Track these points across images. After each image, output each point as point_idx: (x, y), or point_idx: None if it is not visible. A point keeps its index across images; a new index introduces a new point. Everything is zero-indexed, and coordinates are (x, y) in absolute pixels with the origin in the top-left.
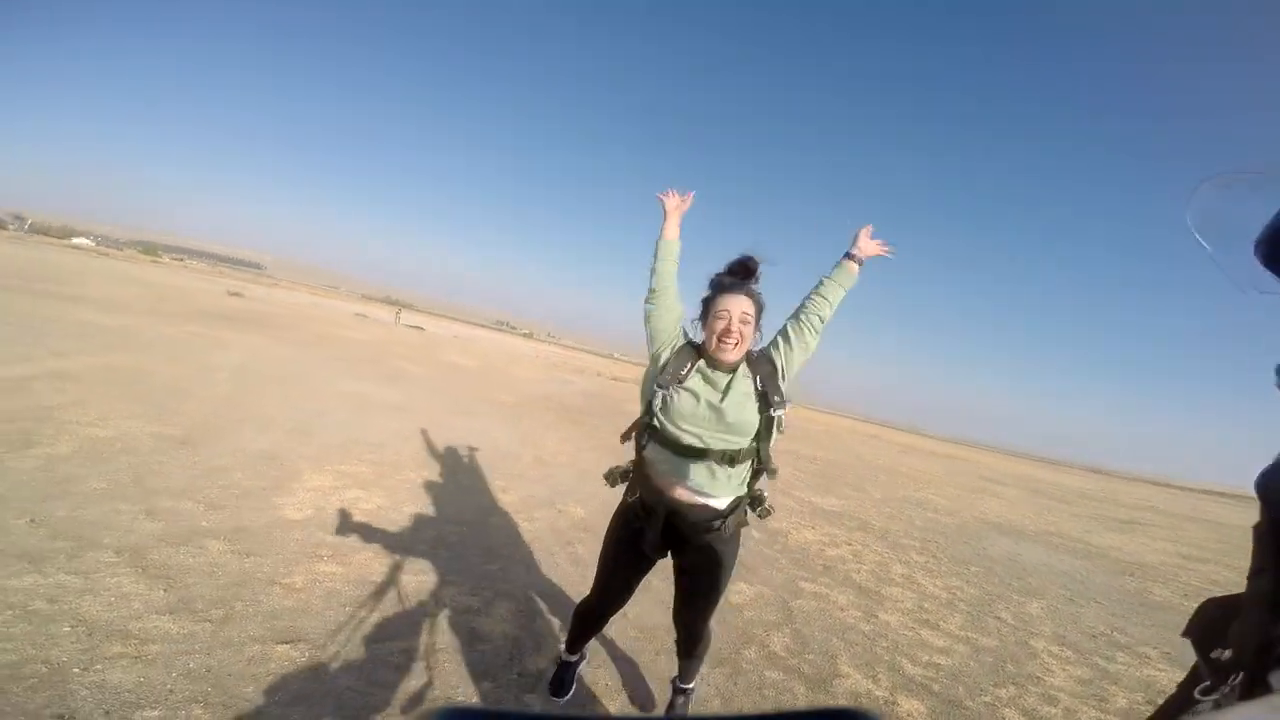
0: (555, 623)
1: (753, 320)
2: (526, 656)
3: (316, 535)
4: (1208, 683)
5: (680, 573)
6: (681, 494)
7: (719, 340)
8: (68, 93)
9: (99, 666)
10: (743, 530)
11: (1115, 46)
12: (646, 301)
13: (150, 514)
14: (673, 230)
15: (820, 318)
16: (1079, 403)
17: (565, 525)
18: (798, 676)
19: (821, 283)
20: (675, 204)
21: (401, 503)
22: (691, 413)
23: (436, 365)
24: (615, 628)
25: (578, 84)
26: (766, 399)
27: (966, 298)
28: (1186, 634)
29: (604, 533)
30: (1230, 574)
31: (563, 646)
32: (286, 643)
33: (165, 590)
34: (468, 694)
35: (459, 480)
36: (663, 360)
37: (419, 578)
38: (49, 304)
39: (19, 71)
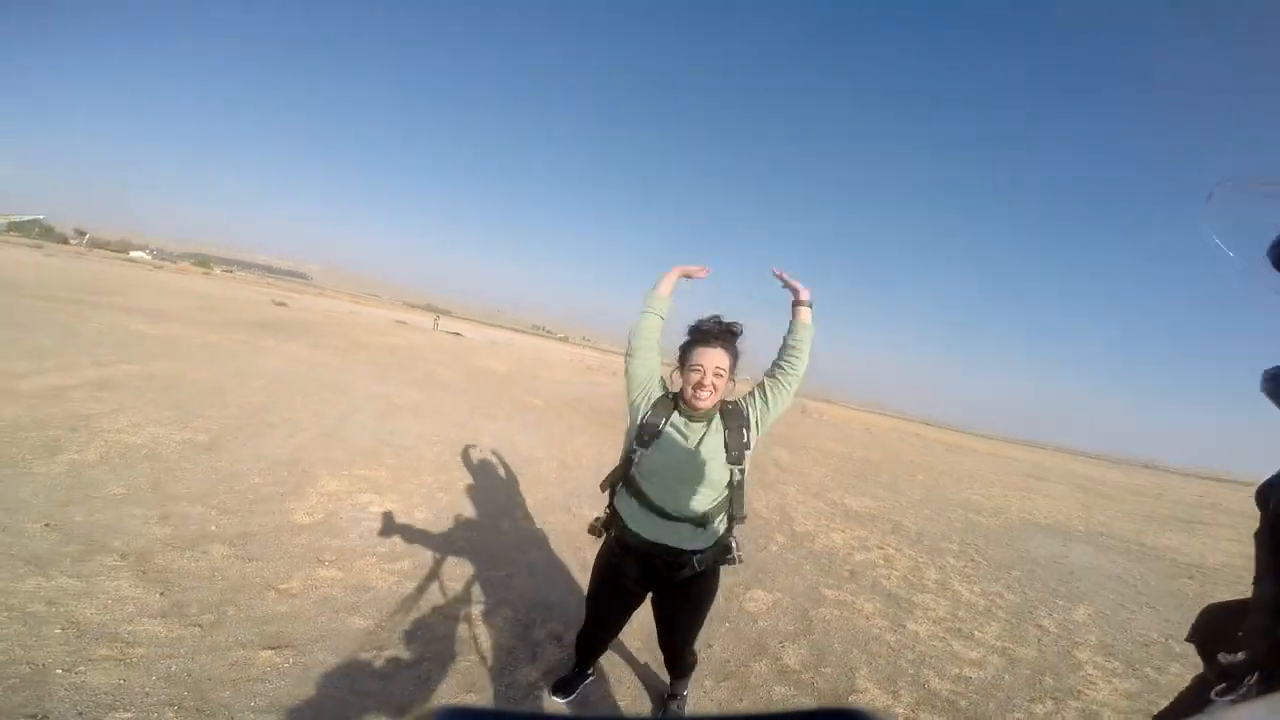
0: (553, 631)
1: (726, 373)
2: (518, 668)
3: (321, 540)
4: (1223, 685)
5: (657, 606)
6: (655, 539)
7: (693, 391)
8: (126, 109)
9: (82, 668)
10: (766, 535)
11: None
12: (626, 355)
13: (163, 519)
14: (667, 288)
15: (793, 375)
16: (1129, 398)
17: (577, 529)
18: (810, 692)
19: (786, 343)
20: (685, 268)
21: (414, 507)
22: (664, 470)
23: (468, 369)
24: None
25: (627, 88)
26: (729, 452)
27: (1015, 290)
28: (1191, 638)
29: (591, 575)
30: None
31: (573, 659)
32: (272, 648)
33: (162, 594)
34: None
35: (476, 484)
36: (640, 414)
37: (419, 584)
38: (99, 314)
39: (78, 88)
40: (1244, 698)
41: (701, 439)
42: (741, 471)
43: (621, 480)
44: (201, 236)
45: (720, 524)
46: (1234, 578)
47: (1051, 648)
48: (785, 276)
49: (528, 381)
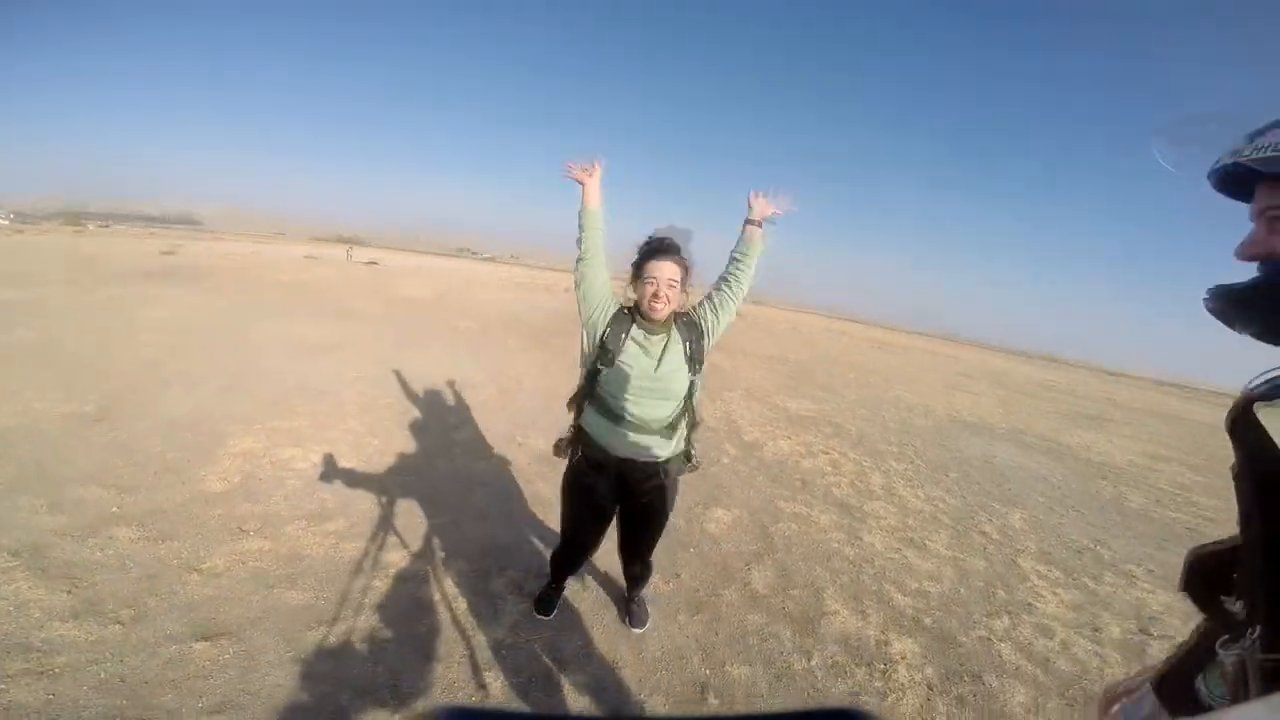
0: (513, 579)
1: (678, 284)
2: (484, 626)
3: (241, 508)
4: (1226, 635)
5: (625, 517)
6: (625, 455)
7: (649, 303)
8: None
9: (2, 686)
10: (718, 447)
11: None
12: (576, 268)
13: (54, 506)
14: (594, 199)
15: (738, 289)
16: (1034, 292)
17: (525, 461)
18: (782, 618)
19: (733, 257)
20: (588, 173)
21: (341, 457)
22: (629, 384)
23: (389, 299)
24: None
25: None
26: (694, 362)
27: (929, 180)
28: (1185, 589)
29: (561, 494)
30: (1195, 476)
31: (548, 574)
32: (206, 639)
33: (69, 592)
34: (416, 680)
35: (409, 423)
36: (599, 332)
37: (358, 544)
38: None
39: None
40: (1247, 652)
41: (664, 350)
42: (700, 379)
43: (587, 397)
44: (69, 192)
45: (682, 431)
46: (1139, 477)
47: (997, 556)
48: (759, 202)
49: (456, 305)
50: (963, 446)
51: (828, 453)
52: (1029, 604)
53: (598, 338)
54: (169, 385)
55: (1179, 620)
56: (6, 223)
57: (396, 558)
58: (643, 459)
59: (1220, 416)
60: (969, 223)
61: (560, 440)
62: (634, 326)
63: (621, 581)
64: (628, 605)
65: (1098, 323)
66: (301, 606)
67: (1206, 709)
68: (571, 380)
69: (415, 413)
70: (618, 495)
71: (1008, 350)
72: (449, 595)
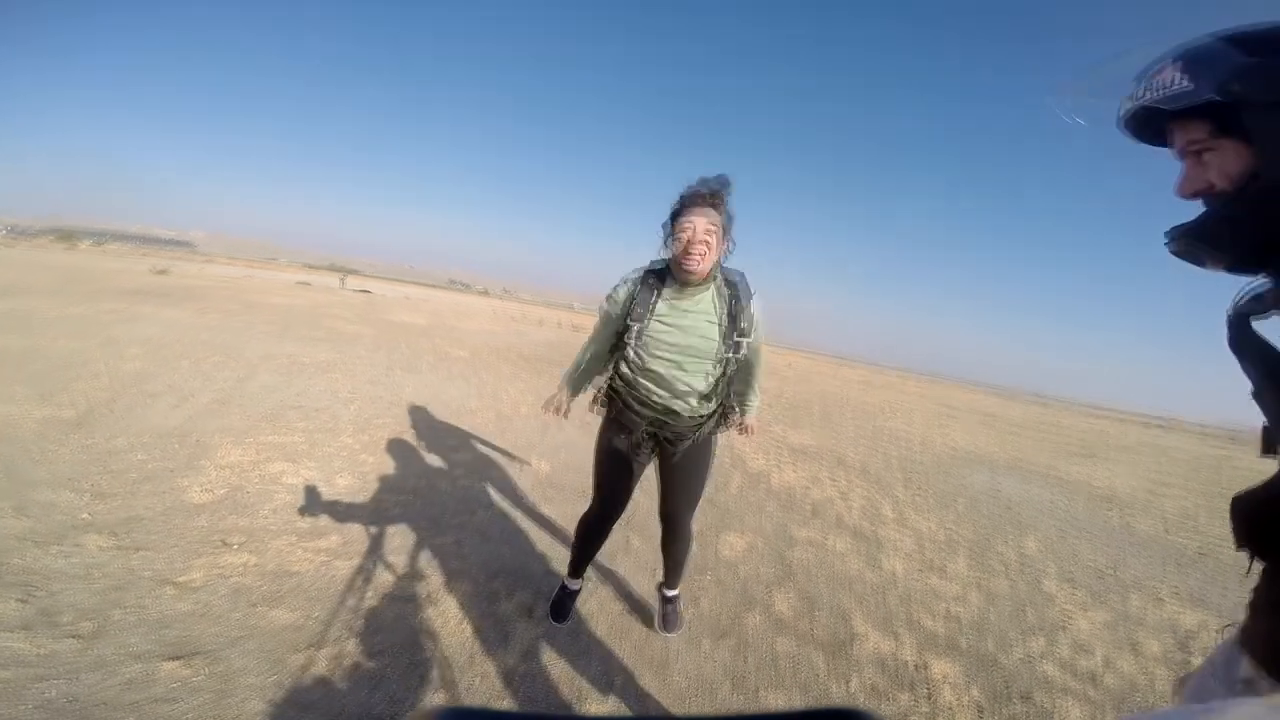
0: (522, 602)
1: (717, 231)
2: (493, 653)
3: (227, 520)
4: None
5: (664, 471)
6: (655, 416)
7: (685, 252)
8: None
9: None
10: (724, 475)
11: None
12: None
13: (19, 510)
14: (566, 403)
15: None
16: (1014, 334)
17: (528, 484)
18: (812, 643)
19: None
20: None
21: (335, 473)
22: (663, 342)
23: (382, 324)
24: (601, 595)
25: (524, 38)
26: (735, 325)
27: (911, 227)
28: (1244, 544)
29: (589, 488)
30: (1198, 502)
31: (565, 572)
32: (177, 658)
33: (21, 601)
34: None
35: (405, 443)
36: (624, 297)
37: (352, 562)
38: None
39: None
40: None
41: (698, 308)
42: (745, 349)
43: (617, 356)
44: (62, 210)
45: (719, 394)
46: (1144, 505)
47: (1020, 579)
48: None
49: (449, 333)
50: (966, 477)
51: (834, 482)
52: (1062, 624)
53: (626, 300)
54: (156, 397)
55: (1216, 636)
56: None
57: (395, 578)
58: (674, 421)
59: (1207, 451)
60: (950, 264)
61: (596, 394)
62: (665, 287)
63: (642, 596)
64: (662, 604)
65: (1079, 361)
66: (288, 626)
67: None
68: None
69: (412, 433)
70: (651, 451)
71: (990, 388)
72: (454, 619)
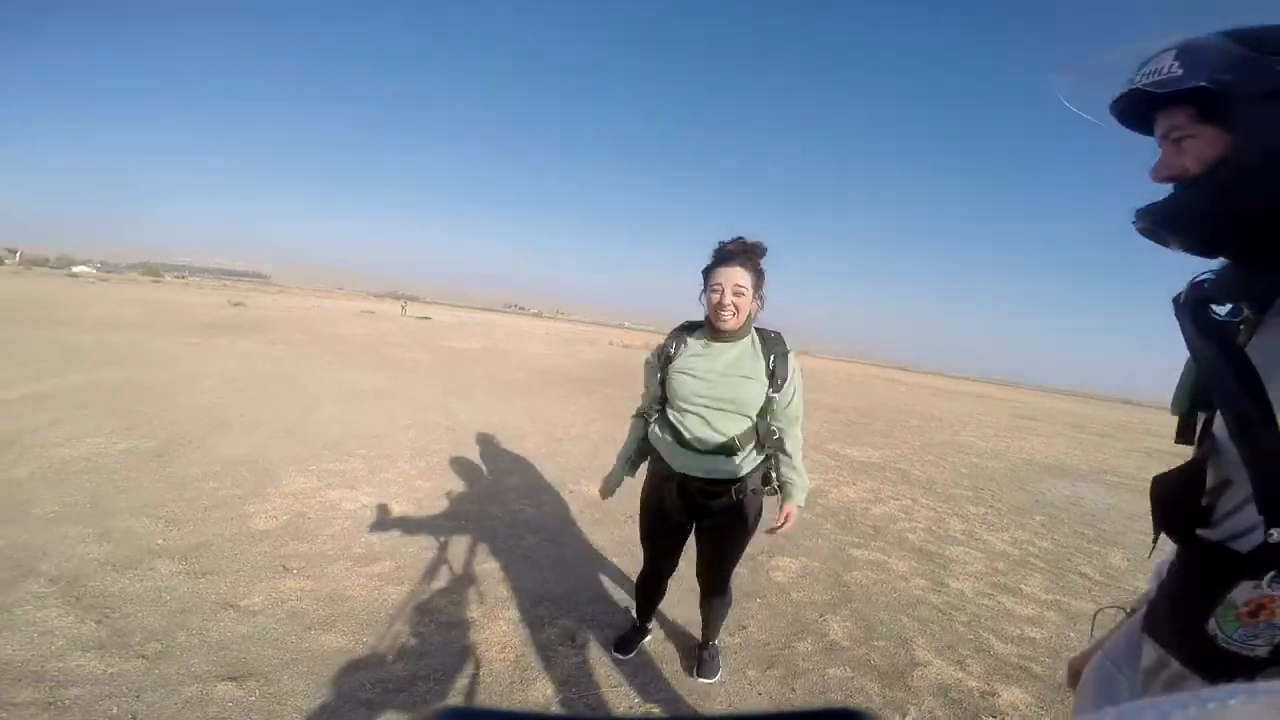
0: (566, 630)
1: (748, 291)
2: (532, 680)
3: (287, 546)
4: (1273, 572)
5: (699, 534)
6: (690, 472)
7: (716, 311)
8: (45, 117)
9: (3, 716)
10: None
11: None
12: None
13: (101, 536)
14: (610, 489)
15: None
16: (1104, 336)
17: (577, 508)
18: (868, 670)
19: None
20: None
21: (391, 500)
22: (690, 395)
23: (439, 350)
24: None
25: (571, 70)
26: (772, 378)
27: (977, 231)
28: (1164, 529)
29: (636, 511)
30: None
31: (633, 614)
32: (232, 679)
33: (97, 623)
34: None
35: (458, 468)
36: (659, 348)
37: (403, 588)
38: (37, 329)
39: None
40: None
41: (731, 359)
42: (785, 401)
43: (656, 412)
44: (147, 246)
45: (753, 452)
46: None
47: (1104, 598)
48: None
49: (502, 357)
50: (1044, 489)
51: (897, 499)
52: None
53: (668, 352)
54: (228, 427)
55: (1100, 619)
56: (94, 272)
57: (442, 603)
58: (710, 477)
59: None
60: (1027, 260)
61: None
62: (695, 336)
63: (690, 631)
64: (699, 652)
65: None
66: (338, 650)
67: (1230, 656)
68: (618, 428)
69: (466, 458)
70: (691, 512)
71: (1072, 392)
72: (496, 645)
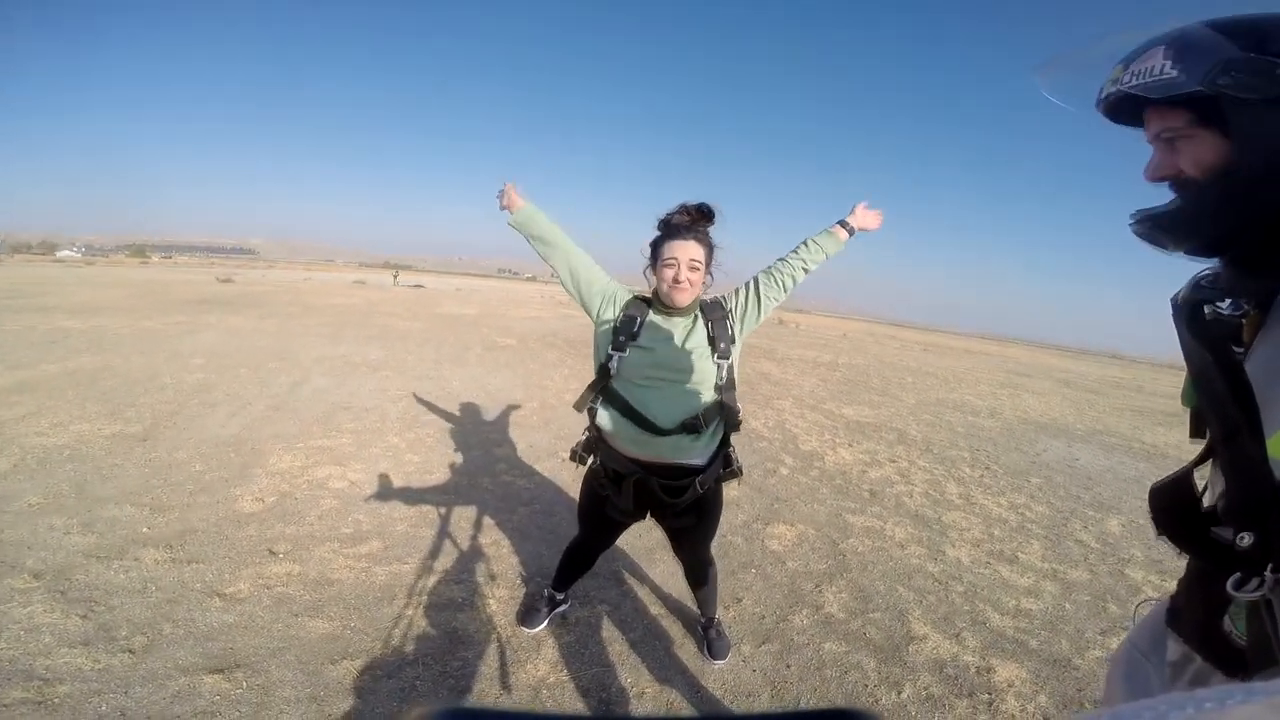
0: (561, 608)
1: (702, 266)
2: (526, 661)
3: (274, 529)
4: (1238, 575)
5: (669, 531)
6: (649, 459)
7: (669, 288)
8: (27, 100)
9: None
10: (773, 459)
11: None
12: (551, 267)
13: (86, 526)
14: (516, 202)
15: (794, 278)
16: (1091, 288)
17: (570, 477)
18: (864, 645)
19: (806, 243)
20: (506, 194)
21: (380, 475)
22: (648, 372)
23: (432, 318)
24: (634, 600)
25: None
26: (715, 345)
27: (970, 190)
28: (1163, 533)
29: (580, 495)
30: None
31: (550, 582)
32: (219, 671)
33: (83, 617)
34: None
35: (449, 439)
36: (607, 318)
37: (392, 568)
38: (18, 317)
39: None
40: (1269, 589)
41: (687, 334)
42: (730, 369)
43: (600, 393)
44: (133, 228)
45: (714, 432)
46: None
47: (1101, 567)
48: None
49: (497, 322)
50: (1040, 450)
51: (894, 461)
52: None
53: (609, 322)
54: (216, 406)
55: (1138, 611)
56: (79, 255)
57: (432, 583)
58: (667, 460)
59: None
60: (1014, 217)
61: (576, 446)
62: (651, 311)
63: (678, 599)
64: (704, 632)
65: (1158, 315)
66: (326, 637)
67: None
68: None
69: (457, 429)
70: (641, 509)
71: (1060, 348)
72: (487, 626)
